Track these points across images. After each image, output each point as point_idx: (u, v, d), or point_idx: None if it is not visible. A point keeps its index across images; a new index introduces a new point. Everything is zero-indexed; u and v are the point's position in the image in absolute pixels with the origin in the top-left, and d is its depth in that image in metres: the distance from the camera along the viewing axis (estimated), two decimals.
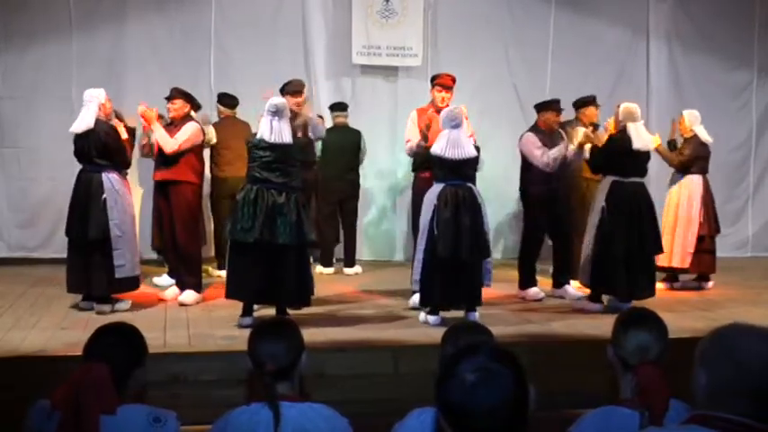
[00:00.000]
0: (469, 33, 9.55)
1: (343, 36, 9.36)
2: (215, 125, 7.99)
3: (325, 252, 8.56)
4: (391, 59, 9.41)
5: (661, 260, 7.29)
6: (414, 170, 7.09)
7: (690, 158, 7.65)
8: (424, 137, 6.49)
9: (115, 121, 6.50)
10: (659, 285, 7.14)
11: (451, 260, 5.87)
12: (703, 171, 7.77)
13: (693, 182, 7.69)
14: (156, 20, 9.06)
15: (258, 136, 5.87)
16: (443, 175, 6.02)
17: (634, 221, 6.46)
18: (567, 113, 7.84)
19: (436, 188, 6.03)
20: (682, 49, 10.06)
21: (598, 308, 6.50)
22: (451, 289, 5.94)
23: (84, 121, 6.22)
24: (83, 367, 2.48)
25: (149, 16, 9.05)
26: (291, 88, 6.60)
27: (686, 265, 7.61)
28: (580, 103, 7.82)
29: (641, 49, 10.04)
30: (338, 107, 8.72)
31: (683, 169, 7.70)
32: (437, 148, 6.00)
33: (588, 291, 6.71)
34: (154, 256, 8.33)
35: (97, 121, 6.22)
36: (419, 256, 6.05)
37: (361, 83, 9.48)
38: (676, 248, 7.57)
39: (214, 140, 7.77)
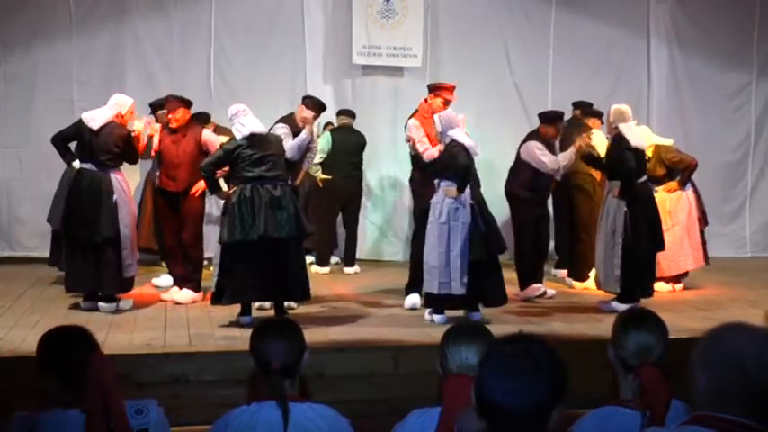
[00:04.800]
0: (470, 33, 9.55)
1: (343, 36, 9.36)
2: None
3: (321, 252, 8.57)
4: (392, 59, 9.41)
5: (672, 267, 7.37)
6: (412, 181, 7.12)
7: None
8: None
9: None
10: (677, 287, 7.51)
11: (488, 259, 6.06)
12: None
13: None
14: (156, 20, 9.07)
15: (238, 137, 6.00)
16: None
17: (651, 222, 6.52)
18: (569, 116, 7.86)
19: (467, 191, 6.05)
20: (681, 50, 10.07)
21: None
22: (492, 284, 6.12)
23: (96, 121, 6.25)
24: (92, 365, 2.45)
25: (149, 16, 9.06)
26: None
27: (701, 263, 7.66)
28: (589, 114, 7.84)
29: (641, 49, 10.05)
30: (345, 112, 8.82)
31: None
32: (472, 145, 6.12)
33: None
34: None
35: (110, 123, 6.25)
36: (464, 258, 5.96)
37: (361, 83, 9.48)
38: (686, 251, 7.57)
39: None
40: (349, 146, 8.51)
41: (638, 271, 6.50)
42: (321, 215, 8.58)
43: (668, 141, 7.72)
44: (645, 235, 6.47)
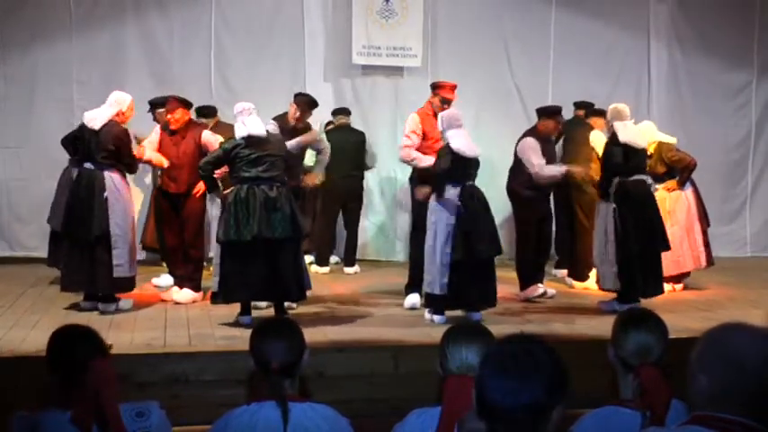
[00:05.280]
0: (470, 34, 9.55)
1: (343, 36, 9.36)
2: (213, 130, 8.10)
3: (321, 252, 8.57)
4: (391, 60, 9.41)
5: (670, 268, 7.30)
6: (412, 180, 7.11)
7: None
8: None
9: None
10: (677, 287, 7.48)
11: (475, 260, 5.98)
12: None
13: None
14: (156, 20, 9.07)
15: (237, 136, 6.00)
16: (461, 175, 6.07)
17: (645, 219, 6.49)
18: (567, 112, 7.84)
19: (455, 190, 6.04)
20: (682, 49, 10.08)
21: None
22: (477, 287, 6.03)
23: (97, 120, 6.29)
24: (92, 369, 2.45)
25: (149, 16, 9.06)
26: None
27: (703, 264, 7.64)
28: (595, 112, 7.81)
29: (641, 49, 10.05)
30: (341, 111, 8.78)
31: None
32: (461, 147, 6.05)
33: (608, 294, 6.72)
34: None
35: (110, 122, 6.27)
36: (444, 259, 6.00)
37: (361, 83, 9.48)
38: (685, 251, 7.55)
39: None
40: (348, 145, 8.49)
41: (630, 269, 6.47)
42: (321, 215, 8.58)
43: (672, 139, 7.72)
44: (633, 232, 6.42)
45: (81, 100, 8.72)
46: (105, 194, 6.18)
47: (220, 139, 6.75)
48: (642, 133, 6.75)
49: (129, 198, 6.43)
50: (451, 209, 6.00)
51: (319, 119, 8.77)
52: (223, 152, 6.05)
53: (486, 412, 1.72)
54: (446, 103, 6.64)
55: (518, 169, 7.14)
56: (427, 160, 6.43)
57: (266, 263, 5.79)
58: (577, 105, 8.23)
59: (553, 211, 7.76)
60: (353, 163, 8.53)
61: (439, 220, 6.04)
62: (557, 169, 6.98)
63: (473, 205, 6.03)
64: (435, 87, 6.84)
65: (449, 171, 6.03)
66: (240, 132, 5.99)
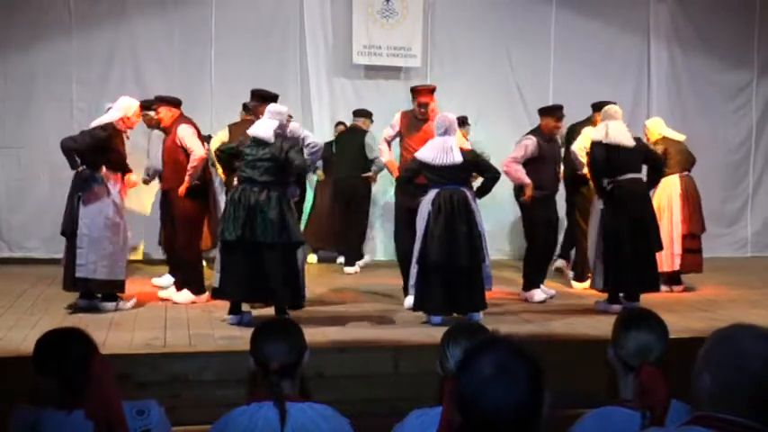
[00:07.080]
0: (470, 34, 9.57)
1: (343, 36, 9.37)
2: (232, 126, 8.03)
3: (349, 252, 8.54)
4: (392, 60, 9.43)
5: None
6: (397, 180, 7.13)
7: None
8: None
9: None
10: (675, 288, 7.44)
11: (447, 265, 5.90)
12: (681, 169, 7.66)
13: (671, 182, 7.60)
14: (156, 20, 9.08)
15: (251, 134, 5.98)
16: (436, 180, 6.07)
17: (636, 218, 6.46)
18: (571, 115, 7.83)
19: (431, 193, 6.05)
20: (682, 49, 10.09)
21: (619, 309, 6.30)
22: (450, 294, 5.95)
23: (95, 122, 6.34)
24: (94, 368, 2.44)
25: (149, 16, 9.07)
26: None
27: (676, 267, 7.55)
28: (600, 106, 7.80)
29: (641, 49, 10.06)
30: (355, 112, 8.80)
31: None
32: (424, 155, 6.09)
33: (603, 294, 6.71)
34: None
35: (99, 125, 6.26)
36: (414, 261, 6.09)
37: (361, 83, 9.50)
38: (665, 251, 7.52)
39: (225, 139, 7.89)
40: (352, 147, 8.50)
41: (619, 269, 6.44)
42: (323, 215, 8.59)
43: (680, 137, 7.70)
44: (626, 232, 6.40)
45: (81, 100, 8.75)
46: (80, 193, 6.17)
47: (192, 132, 6.66)
48: (626, 132, 6.67)
49: (108, 200, 6.21)
50: (424, 213, 6.02)
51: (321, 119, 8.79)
52: (238, 143, 6.08)
53: (468, 419, 1.72)
54: (422, 106, 6.65)
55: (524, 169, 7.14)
56: (386, 156, 6.97)
57: (252, 265, 5.80)
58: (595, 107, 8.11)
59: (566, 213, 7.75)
60: (357, 163, 8.52)
61: (418, 226, 6.07)
62: (524, 178, 6.92)
63: (446, 210, 5.95)
64: (412, 92, 6.90)
65: (412, 174, 6.17)
66: (250, 131, 6.00)
